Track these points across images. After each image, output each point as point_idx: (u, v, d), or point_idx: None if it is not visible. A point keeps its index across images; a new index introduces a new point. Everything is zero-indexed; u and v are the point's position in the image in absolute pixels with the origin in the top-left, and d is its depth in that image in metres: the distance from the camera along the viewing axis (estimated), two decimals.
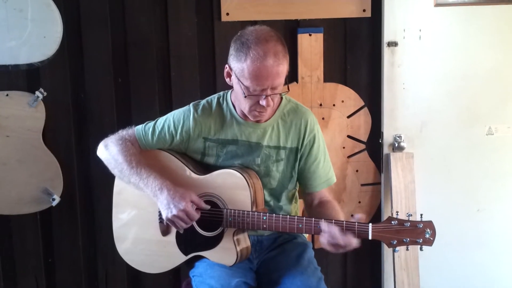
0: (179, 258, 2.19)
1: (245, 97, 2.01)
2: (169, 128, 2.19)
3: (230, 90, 2.22)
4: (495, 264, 3.17)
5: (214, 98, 2.24)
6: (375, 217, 3.12)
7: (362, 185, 3.10)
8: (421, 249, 1.92)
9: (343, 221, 1.95)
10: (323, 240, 1.94)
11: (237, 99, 2.12)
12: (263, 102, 2.01)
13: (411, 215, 1.94)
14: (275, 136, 2.18)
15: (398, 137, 3.02)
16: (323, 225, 1.94)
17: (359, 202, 3.10)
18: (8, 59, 2.74)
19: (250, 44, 1.97)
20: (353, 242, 1.92)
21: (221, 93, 2.25)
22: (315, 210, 2.21)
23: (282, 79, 2.01)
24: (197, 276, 2.16)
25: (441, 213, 3.03)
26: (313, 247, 2.34)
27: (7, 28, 2.71)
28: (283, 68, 2.00)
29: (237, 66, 2.00)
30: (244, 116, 2.16)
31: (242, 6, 2.86)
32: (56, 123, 2.87)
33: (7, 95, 2.79)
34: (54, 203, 2.87)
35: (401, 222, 1.91)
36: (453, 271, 3.15)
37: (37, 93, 2.79)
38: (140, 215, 2.25)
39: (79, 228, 2.99)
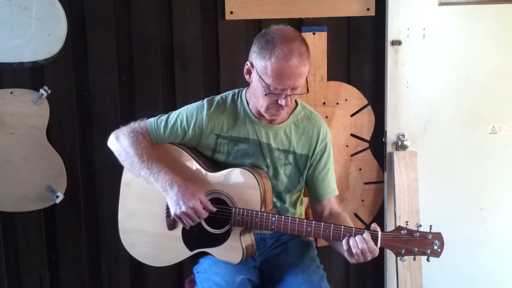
0: (184, 253, 2.19)
1: (265, 95, 2.01)
2: (181, 122, 2.19)
3: (245, 88, 2.21)
4: (498, 262, 3.18)
5: (228, 94, 2.23)
6: (378, 215, 3.12)
7: (365, 183, 3.10)
8: (428, 260, 1.93)
9: (352, 227, 1.97)
10: (350, 251, 1.94)
11: (254, 96, 2.10)
12: (282, 102, 2.00)
13: (421, 225, 1.95)
14: (286, 140, 2.18)
15: (402, 135, 3.02)
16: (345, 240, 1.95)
17: (362, 200, 3.10)
18: (13, 57, 2.74)
19: (276, 42, 1.96)
20: (376, 249, 1.93)
21: (236, 90, 2.24)
22: (326, 221, 2.18)
23: (303, 80, 2.01)
24: (202, 272, 2.16)
25: (444, 211, 3.04)
26: (316, 245, 2.34)
27: (11, 26, 2.71)
28: (306, 69, 1.99)
29: (260, 63, 1.99)
30: (258, 115, 2.16)
31: (246, 4, 2.86)
32: (60, 121, 2.87)
33: (11, 92, 2.80)
34: (58, 201, 2.87)
35: (410, 232, 1.92)
36: (456, 270, 3.15)
37: (41, 90, 2.79)
38: (147, 208, 2.24)
39: (82, 226, 2.99)
